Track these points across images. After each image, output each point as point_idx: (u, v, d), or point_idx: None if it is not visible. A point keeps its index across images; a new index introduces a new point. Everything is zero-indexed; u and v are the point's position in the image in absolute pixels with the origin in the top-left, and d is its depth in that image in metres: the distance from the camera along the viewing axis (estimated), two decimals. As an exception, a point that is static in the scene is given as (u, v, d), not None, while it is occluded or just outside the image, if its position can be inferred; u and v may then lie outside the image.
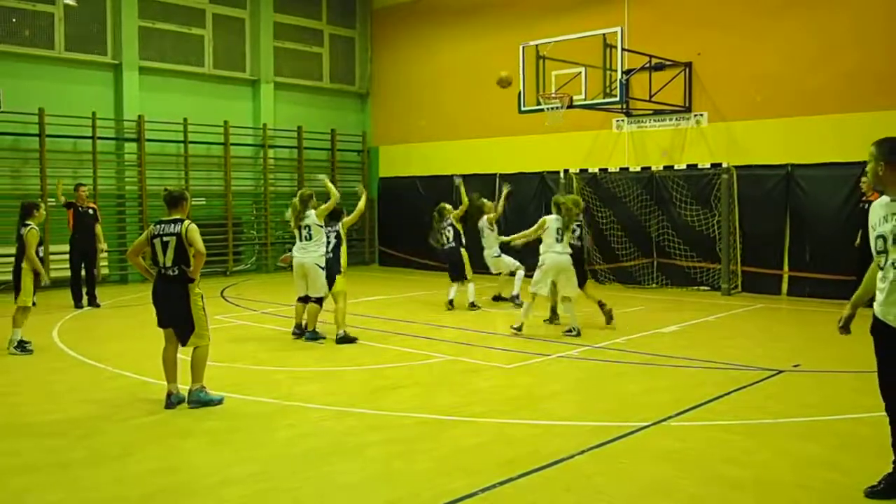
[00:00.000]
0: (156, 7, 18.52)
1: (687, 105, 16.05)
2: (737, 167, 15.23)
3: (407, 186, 21.02)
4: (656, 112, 16.34)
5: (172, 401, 7.18)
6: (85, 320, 12.67)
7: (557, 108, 15.03)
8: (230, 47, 19.96)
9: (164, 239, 7.22)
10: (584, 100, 15.16)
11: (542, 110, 15.24)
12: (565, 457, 5.68)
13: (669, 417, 6.71)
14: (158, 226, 7.37)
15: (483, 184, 19.19)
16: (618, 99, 14.82)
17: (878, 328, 4.77)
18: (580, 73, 15.22)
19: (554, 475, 5.38)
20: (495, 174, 19.08)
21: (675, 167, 15.83)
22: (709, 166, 15.37)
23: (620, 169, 16.62)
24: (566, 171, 17.32)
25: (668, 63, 15.89)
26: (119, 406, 7.34)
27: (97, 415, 7.04)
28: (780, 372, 8.37)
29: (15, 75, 16.25)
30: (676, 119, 16.28)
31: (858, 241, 12.14)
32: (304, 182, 20.93)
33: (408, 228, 20.94)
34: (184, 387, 7.33)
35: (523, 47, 15.40)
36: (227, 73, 19.81)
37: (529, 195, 18.36)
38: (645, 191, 16.35)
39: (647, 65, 15.75)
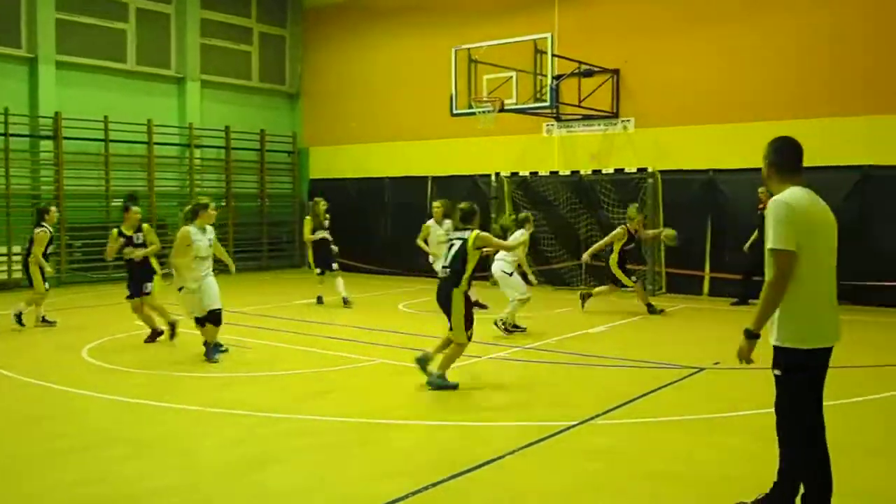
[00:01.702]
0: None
1: (615, 111, 16.30)
2: (662, 172, 15.55)
3: (338, 188, 20.79)
4: (585, 117, 16.55)
5: None
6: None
7: (489, 111, 15.10)
8: (154, 43, 19.42)
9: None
10: (515, 104, 15.26)
11: (473, 113, 15.29)
12: (497, 457, 5.69)
13: (598, 415, 6.81)
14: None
15: (414, 186, 19.20)
16: (548, 104, 14.96)
17: None
18: (511, 77, 15.33)
19: (487, 475, 5.38)
20: (427, 177, 19.06)
21: (604, 171, 16.06)
22: (635, 171, 15.64)
23: (550, 172, 16.79)
24: (497, 174, 17.40)
25: (596, 69, 16.11)
26: (36, 415, 7.05)
27: (12, 425, 6.75)
28: (702, 370, 8.60)
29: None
30: (605, 124, 16.52)
31: (748, 245, 13.40)
32: (231, 183, 20.59)
33: (339, 231, 20.66)
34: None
35: (455, 51, 15.42)
36: (151, 69, 19.27)
37: (461, 198, 18.34)
38: (574, 194, 16.54)
39: (577, 71, 15.93)
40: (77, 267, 17.86)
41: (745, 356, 4.32)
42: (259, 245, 21.38)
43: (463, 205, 8.70)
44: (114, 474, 5.52)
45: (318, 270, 14.19)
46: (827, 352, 4.24)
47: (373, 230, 19.99)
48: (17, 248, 16.12)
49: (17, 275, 16.57)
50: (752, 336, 4.24)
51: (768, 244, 4.15)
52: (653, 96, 15.85)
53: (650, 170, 15.48)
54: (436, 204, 13.53)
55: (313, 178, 21.82)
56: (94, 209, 18.14)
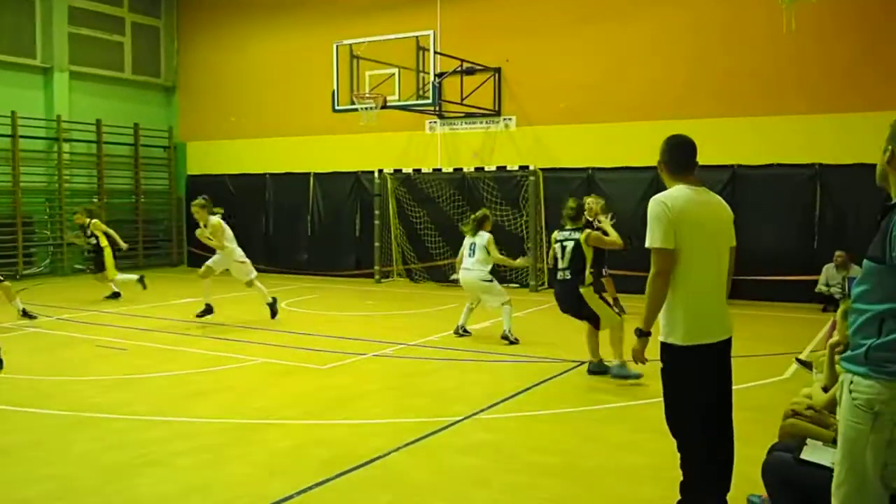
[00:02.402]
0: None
1: (497, 109, 16.57)
2: (543, 169, 15.91)
3: (217, 185, 20.30)
4: (468, 115, 16.75)
5: None
6: None
7: (371, 108, 15.08)
8: (19, 31, 18.43)
9: None
10: (398, 101, 15.31)
11: (356, 110, 15.23)
12: (381, 454, 5.72)
13: (482, 410, 6.93)
14: None
15: (296, 183, 18.98)
16: (430, 101, 15.07)
17: None
18: (394, 74, 15.35)
19: (371, 473, 5.40)
20: (309, 173, 18.88)
21: (486, 169, 16.29)
22: (517, 168, 15.94)
23: (434, 170, 16.91)
24: (381, 171, 17.41)
25: (478, 68, 16.34)
26: None
27: None
28: (583, 363, 8.80)
29: None
30: (487, 122, 16.77)
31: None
32: (104, 179, 19.79)
33: (218, 228, 20.27)
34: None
35: (337, 46, 15.33)
36: (14, 58, 18.27)
37: (344, 195, 18.34)
38: (457, 191, 16.72)
39: (459, 68, 16.11)
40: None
41: (639, 356, 4.38)
42: (134, 243, 20.61)
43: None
44: (-24, 486, 5.26)
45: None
46: (713, 347, 4.22)
47: (253, 227, 19.61)
48: None
49: None
50: (642, 334, 4.32)
51: (647, 243, 4.19)
52: (534, 95, 16.19)
53: (532, 167, 15.80)
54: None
55: (191, 175, 21.24)
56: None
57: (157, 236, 21.38)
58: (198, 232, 11.68)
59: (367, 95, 15.24)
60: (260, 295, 12.02)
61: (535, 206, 15.74)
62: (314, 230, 18.96)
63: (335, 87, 15.48)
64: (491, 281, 10.24)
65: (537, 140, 16.15)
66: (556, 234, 8.59)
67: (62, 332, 11.14)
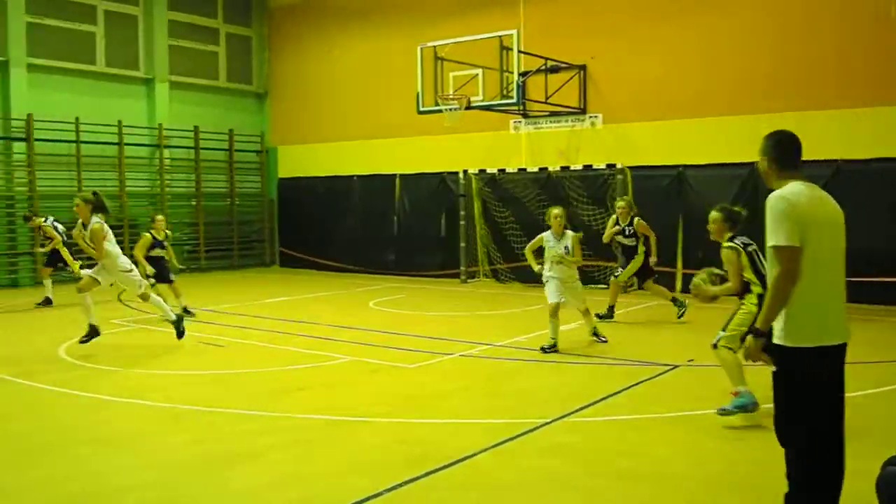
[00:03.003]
0: (44, 2, 17.84)
1: (582, 107, 16.49)
2: (630, 167, 15.74)
3: (306, 187, 20.90)
4: (552, 114, 16.73)
5: None
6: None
7: (455, 109, 15.22)
8: (123, 45, 19.38)
9: None
10: (482, 101, 15.40)
11: (440, 111, 15.41)
12: (467, 455, 5.77)
13: (569, 413, 6.88)
14: None
15: (382, 184, 19.32)
16: (514, 100, 15.12)
17: None
18: (477, 74, 15.44)
19: (456, 473, 5.46)
20: (394, 174, 19.17)
21: (572, 168, 16.24)
22: (604, 167, 15.83)
23: (518, 169, 16.96)
24: (465, 171, 17.56)
25: (563, 65, 16.30)
26: (5, 413, 7.12)
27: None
28: (676, 367, 8.67)
29: None
30: (572, 120, 16.72)
31: None
32: (201, 182, 20.59)
33: (308, 229, 20.86)
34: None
35: (421, 48, 15.53)
36: (120, 71, 19.24)
37: (429, 196, 18.55)
38: (542, 191, 16.71)
39: (543, 67, 16.11)
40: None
41: (752, 355, 4.18)
42: (229, 244, 21.39)
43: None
44: (82, 471, 5.60)
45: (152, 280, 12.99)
46: (831, 350, 4.02)
47: (340, 228, 20.09)
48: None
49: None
50: (759, 335, 4.09)
51: (770, 241, 3.98)
52: (620, 91, 16.04)
53: (619, 166, 15.68)
54: (555, 212, 10.03)
55: (282, 177, 21.86)
56: (66, 209, 18.04)
57: (251, 237, 22.09)
58: (75, 232, 10.24)
59: (451, 96, 15.40)
60: (159, 311, 10.47)
61: (622, 204, 15.58)
62: (400, 231, 19.24)
63: (419, 89, 15.69)
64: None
65: (624, 137, 16.01)
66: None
67: (164, 329, 11.68)
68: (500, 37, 14.78)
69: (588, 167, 16.04)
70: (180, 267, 12.91)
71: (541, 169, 16.67)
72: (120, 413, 7.15)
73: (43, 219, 14.44)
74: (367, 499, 4.97)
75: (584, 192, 16.14)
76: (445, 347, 10.01)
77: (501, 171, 17.13)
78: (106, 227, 9.89)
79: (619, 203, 12.54)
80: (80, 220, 9.95)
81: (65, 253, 14.15)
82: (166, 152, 19.90)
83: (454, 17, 17.69)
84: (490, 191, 17.43)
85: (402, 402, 7.52)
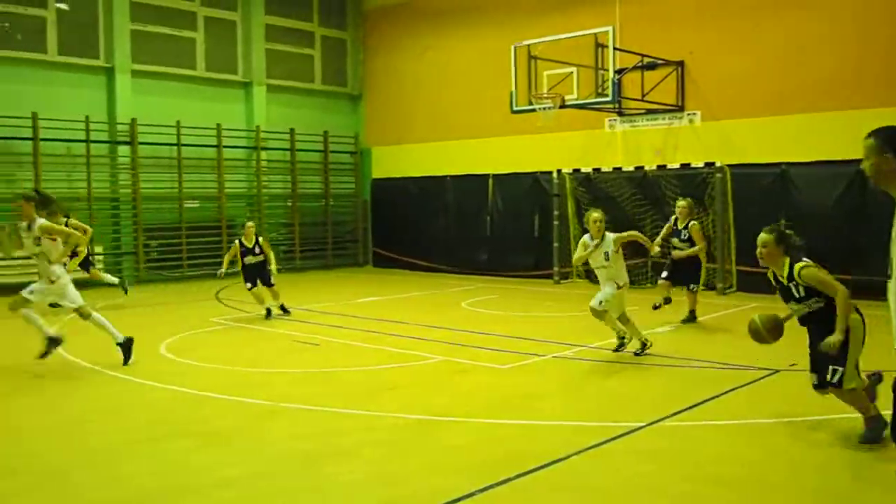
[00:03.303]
0: (147, 10, 18.48)
1: (680, 104, 16.09)
2: (731, 166, 15.26)
3: (400, 187, 21.05)
4: (649, 111, 16.38)
5: None
6: (78, 323, 12.58)
7: (549, 108, 15.07)
8: (222, 50, 19.93)
9: None
10: (576, 99, 15.20)
11: (534, 110, 15.28)
12: (560, 457, 5.68)
13: (664, 418, 6.70)
14: None
15: (475, 184, 19.29)
16: (610, 98, 14.86)
17: None
18: (572, 72, 15.26)
19: (549, 475, 5.38)
20: (488, 174, 19.11)
21: (669, 166, 15.86)
22: (702, 165, 15.41)
23: (613, 169, 16.66)
24: (559, 171, 17.36)
25: (660, 62, 15.93)
26: (113, 407, 7.35)
27: (92, 415, 7.05)
28: (777, 371, 8.36)
29: (7, 79, 16.22)
30: (669, 118, 16.33)
31: None
32: (297, 183, 20.98)
33: (401, 229, 21.00)
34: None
35: (515, 47, 15.43)
36: (219, 75, 19.79)
37: (522, 196, 18.42)
38: (638, 190, 16.37)
39: (639, 64, 15.79)
40: (153, 266, 18.45)
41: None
42: (324, 244, 21.74)
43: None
44: (183, 465, 5.74)
45: (248, 285, 12.97)
46: None
47: (433, 228, 20.15)
48: (99, 248, 17.17)
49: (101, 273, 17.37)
50: None
51: None
52: (720, 87, 15.57)
53: (718, 164, 15.23)
54: (595, 216, 9.50)
55: (375, 178, 22.08)
56: (168, 210, 18.75)
57: (345, 238, 22.38)
58: (2, 235, 9.46)
59: (545, 95, 15.26)
60: (103, 330, 9.24)
61: (722, 204, 15.14)
62: (493, 231, 19.17)
63: (513, 89, 15.59)
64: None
65: (724, 135, 15.52)
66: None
67: (261, 327, 11.93)
68: (595, 34, 14.55)
69: (686, 166, 15.63)
70: (277, 267, 13.07)
71: (636, 168, 16.33)
72: (220, 408, 7.30)
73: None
74: (461, 498, 4.93)
75: (682, 191, 15.66)
76: (538, 348, 9.89)
77: (596, 170, 16.86)
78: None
79: (681, 203, 11.87)
80: (24, 223, 8.98)
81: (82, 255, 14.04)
82: (263, 154, 20.35)
83: (548, 16, 17.51)
84: (584, 190, 17.18)
85: (494, 402, 7.45)
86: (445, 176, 20.07)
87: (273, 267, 12.86)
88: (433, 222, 20.16)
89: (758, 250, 6.12)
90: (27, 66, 16.75)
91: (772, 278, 6.23)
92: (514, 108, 15.82)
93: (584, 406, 7.34)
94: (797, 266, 5.94)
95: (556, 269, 17.33)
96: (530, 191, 18.31)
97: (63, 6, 17.36)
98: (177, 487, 5.26)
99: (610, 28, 14.40)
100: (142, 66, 18.31)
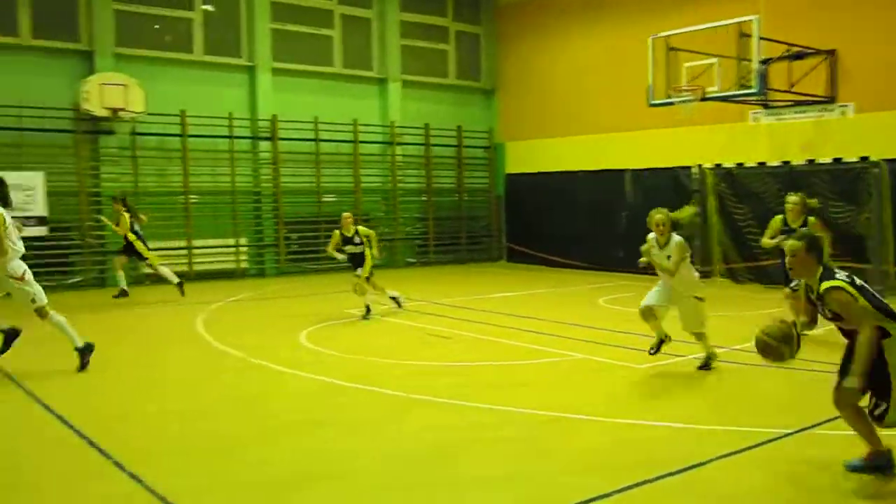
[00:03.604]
0: (286, 10, 19.06)
1: (831, 95, 15.20)
2: (888, 161, 14.29)
3: (534, 182, 20.89)
4: (797, 103, 15.55)
5: None
6: (225, 313, 13.12)
7: (689, 100, 14.54)
8: (358, 47, 20.32)
9: None
10: (718, 91, 14.59)
11: (672, 103, 14.78)
12: (701, 461, 5.45)
13: (815, 425, 6.31)
14: None
15: (611, 180, 18.89)
16: (754, 90, 14.16)
17: None
18: (713, 63, 14.65)
19: (688, 480, 5.17)
20: (624, 170, 18.68)
21: (818, 161, 15.02)
22: (857, 160, 14.51)
23: (758, 164, 15.94)
24: (699, 166, 16.76)
25: (809, 51, 15.10)
26: (255, 394, 7.58)
27: (234, 401, 7.29)
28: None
29: (158, 79, 17.06)
30: (819, 110, 15.45)
31: None
32: (431, 178, 21.17)
33: (535, 225, 20.83)
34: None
35: (653, 39, 14.97)
36: (355, 72, 20.19)
37: (660, 192, 17.86)
38: (784, 186, 15.53)
39: (786, 53, 15.02)
40: (293, 258, 19.04)
41: None
42: (457, 239, 21.84)
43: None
44: (319, 451, 5.85)
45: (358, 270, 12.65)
46: None
47: (568, 224, 19.86)
48: (243, 241, 17.95)
49: (245, 265, 18.10)
50: None
51: None
52: (876, 78, 14.61)
53: (874, 159, 14.30)
54: (658, 217, 8.78)
55: (509, 173, 21.99)
56: (307, 204, 19.29)
57: (478, 232, 22.41)
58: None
59: (684, 88, 14.73)
60: (64, 334, 8.56)
61: (878, 201, 14.20)
62: (630, 227, 18.69)
63: (650, 81, 15.13)
64: None
65: (880, 128, 14.55)
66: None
67: (397, 319, 12.06)
68: (738, 23, 13.94)
69: (837, 160, 14.76)
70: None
71: (783, 163, 15.56)
72: (356, 398, 7.41)
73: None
74: (594, 499, 4.80)
75: (833, 187, 14.83)
76: (677, 349, 9.53)
77: (739, 165, 16.17)
78: (8, 219, 8.18)
79: (792, 199, 10.58)
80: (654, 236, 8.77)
81: (138, 245, 14.24)
82: (398, 149, 20.62)
83: (687, 6, 16.93)
84: (726, 186, 16.50)
85: (630, 402, 7.27)
86: (580, 171, 19.74)
87: (368, 255, 12.17)
88: (568, 218, 19.87)
89: (786, 259, 5.34)
90: (176, 66, 17.59)
91: (803, 290, 5.42)
92: (652, 102, 15.35)
93: (722, 410, 7.04)
94: (825, 284, 5.10)
95: (696, 267, 16.63)
96: (669, 186, 17.73)
97: (209, 8, 18.13)
98: (313, 474, 5.35)
99: (755, 17, 13.74)
100: (282, 65, 18.89)
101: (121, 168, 16.90)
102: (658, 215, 8.63)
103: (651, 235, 8.74)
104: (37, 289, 8.36)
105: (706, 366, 8.48)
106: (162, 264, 14.67)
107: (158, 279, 14.90)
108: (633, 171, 18.53)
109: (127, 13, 17.05)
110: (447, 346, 10.05)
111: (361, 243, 12.24)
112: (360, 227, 12.44)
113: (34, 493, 5.09)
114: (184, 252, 17.33)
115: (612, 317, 12.23)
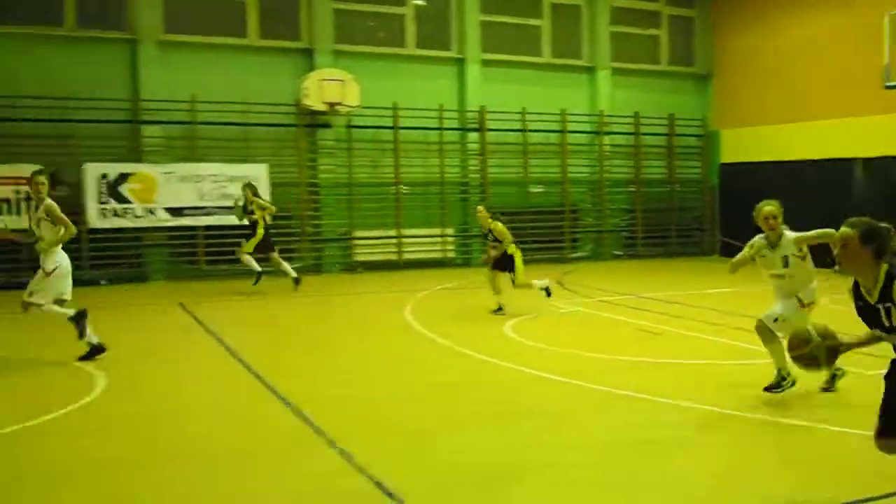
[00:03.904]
0: (495, 1, 19.18)
1: None
2: None
3: (752, 172, 19.71)
4: None
5: None
6: (432, 300, 13.40)
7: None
8: (567, 36, 20.09)
9: None
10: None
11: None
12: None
13: None
14: None
15: (838, 170, 17.47)
16: None
17: None
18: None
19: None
20: (855, 158, 17.20)
21: None
22: None
23: None
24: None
25: None
26: (461, 382, 7.65)
27: (440, 387, 7.39)
28: None
29: (372, 73, 17.69)
30: None
31: None
32: (640, 168, 20.59)
33: (752, 218, 19.65)
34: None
35: (889, 15, 13.68)
36: (563, 61, 19.98)
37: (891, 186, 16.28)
38: None
39: None
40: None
41: None
42: (667, 231, 21.09)
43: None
44: (527, 443, 5.80)
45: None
46: None
47: (789, 217, 18.53)
48: (450, 231, 18.12)
49: (451, 254, 18.48)
50: None
51: None
52: None
53: None
54: (767, 209, 8.04)
55: (723, 162, 20.92)
56: (514, 195, 19.36)
57: (689, 225, 21.52)
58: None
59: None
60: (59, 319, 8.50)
61: None
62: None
63: (886, 61, 13.86)
64: None
65: None
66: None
67: (603, 313, 11.80)
68: None
69: None
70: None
71: None
72: (559, 391, 7.31)
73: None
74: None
75: None
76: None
77: None
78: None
79: None
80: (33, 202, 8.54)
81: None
82: (606, 139, 20.21)
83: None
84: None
85: (856, 410, 6.60)
86: (805, 160, 18.41)
87: (517, 257, 11.46)
88: (789, 210, 18.53)
89: (835, 250, 4.23)
90: (389, 61, 18.20)
91: (852, 292, 4.32)
92: (888, 84, 14.09)
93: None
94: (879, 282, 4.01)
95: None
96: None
97: (420, 2, 18.58)
98: (531, 464, 5.31)
99: None
100: (490, 56, 19.04)
101: (336, 160, 17.72)
102: (768, 207, 7.56)
103: (759, 237, 7.63)
104: (62, 288, 8.44)
105: (775, 386, 6.93)
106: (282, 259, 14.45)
107: (370, 267, 15.47)
108: (864, 159, 17.02)
109: (344, 11, 17.84)
110: (655, 341, 9.69)
111: (498, 241, 11.47)
112: (496, 225, 11.49)
113: (253, 460, 5.37)
114: (394, 241, 17.91)
115: (837, 317, 11.26)
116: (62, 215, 8.34)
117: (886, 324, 4.08)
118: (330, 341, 9.99)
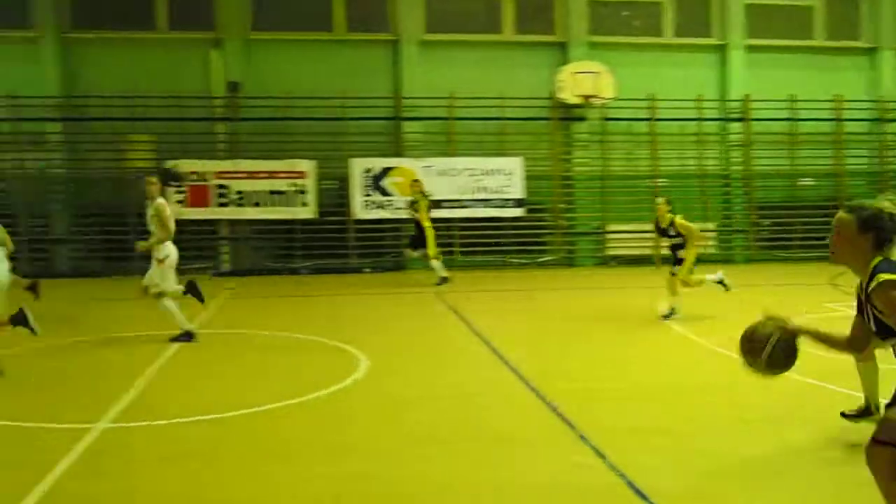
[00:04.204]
0: (764, -18, 18.05)
1: None
2: None
3: None
4: None
5: None
6: (689, 298, 12.81)
7: None
8: (844, 15, 18.50)
9: None
10: None
11: None
12: None
13: None
14: None
15: None
16: None
17: None
18: None
19: None
20: None
21: None
22: None
23: None
24: None
25: None
26: (725, 384, 7.22)
27: (703, 390, 7.03)
28: None
29: (627, 64, 17.28)
30: None
31: None
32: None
33: None
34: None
35: None
36: (839, 43, 18.41)
37: None
38: None
39: None
40: (764, 244, 18.07)
41: None
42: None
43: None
44: (788, 449, 5.35)
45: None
46: None
47: None
48: (711, 225, 17.42)
49: (712, 249, 17.68)
50: None
51: None
52: None
53: None
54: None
55: None
56: (780, 188, 18.17)
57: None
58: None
59: None
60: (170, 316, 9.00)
61: None
62: None
63: None
64: None
65: None
66: None
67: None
68: None
69: None
70: (696, 258, 10.55)
71: None
72: (821, 397, 6.60)
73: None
74: None
75: None
76: None
77: None
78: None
79: None
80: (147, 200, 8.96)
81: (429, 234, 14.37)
82: (890, 126, 18.32)
83: None
84: None
85: None
86: None
87: (688, 255, 10.52)
88: None
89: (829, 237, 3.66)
90: (644, 51, 17.74)
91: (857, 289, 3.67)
92: None
93: None
94: (879, 277, 3.42)
95: None
96: None
97: (680, -11, 17.90)
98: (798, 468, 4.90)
99: None
100: (755, 41, 17.98)
101: (590, 153, 17.51)
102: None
103: None
104: (168, 277, 8.88)
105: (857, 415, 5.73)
106: (436, 258, 14.47)
107: (623, 261, 15.14)
108: None
109: (599, 2, 17.62)
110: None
111: (679, 236, 10.50)
112: (678, 218, 10.54)
113: (506, 448, 5.38)
114: (651, 235, 17.32)
115: None
116: (166, 217, 8.76)
117: (873, 327, 3.58)
118: (581, 335, 9.85)
